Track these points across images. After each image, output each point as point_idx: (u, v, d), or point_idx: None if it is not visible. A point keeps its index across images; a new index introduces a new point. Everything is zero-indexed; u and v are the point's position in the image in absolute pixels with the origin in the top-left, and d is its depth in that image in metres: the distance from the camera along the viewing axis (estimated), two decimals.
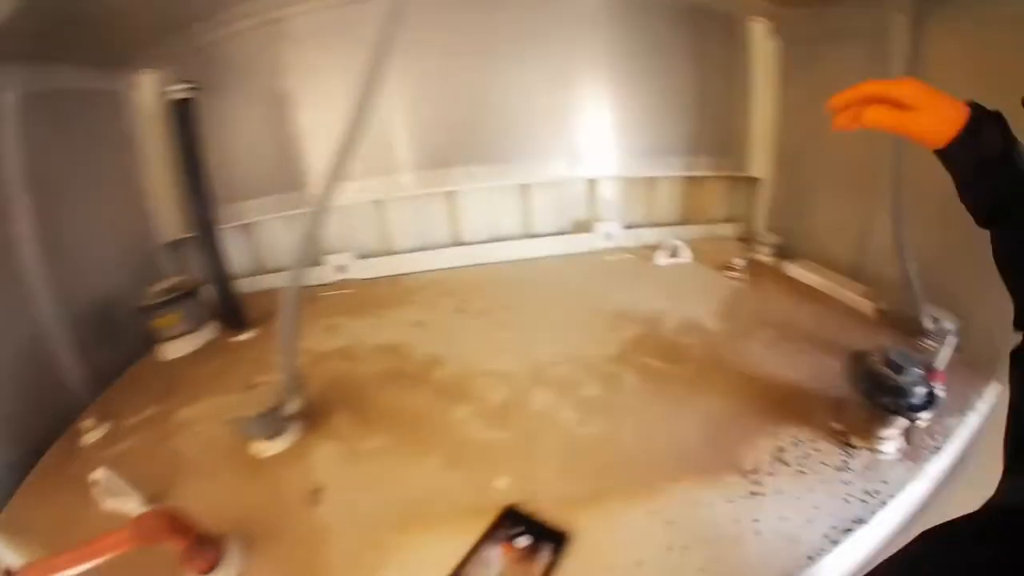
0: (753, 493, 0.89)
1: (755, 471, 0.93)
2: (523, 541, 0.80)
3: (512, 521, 0.84)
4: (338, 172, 0.93)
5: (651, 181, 2.06)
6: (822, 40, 1.63)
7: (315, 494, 0.93)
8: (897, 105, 0.66)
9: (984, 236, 1.19)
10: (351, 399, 1.19)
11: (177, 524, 0.74)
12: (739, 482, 0.91)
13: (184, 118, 1.44)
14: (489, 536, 0.82)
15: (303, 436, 1.07)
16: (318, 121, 1.71)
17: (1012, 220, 0.63)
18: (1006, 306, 1.13)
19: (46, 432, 1.18)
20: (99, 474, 0.94)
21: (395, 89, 1.70)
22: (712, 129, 1.98)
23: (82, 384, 1.34)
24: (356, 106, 0.91)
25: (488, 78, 1.77)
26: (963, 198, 0.69)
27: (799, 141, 1.84)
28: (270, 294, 1.70)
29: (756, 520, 0.84)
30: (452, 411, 1.13)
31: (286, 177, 1.78)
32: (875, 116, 0.67)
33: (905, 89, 0.66)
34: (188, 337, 1.50)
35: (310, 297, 1.70)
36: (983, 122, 0.63)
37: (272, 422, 1.02)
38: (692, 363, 1.25)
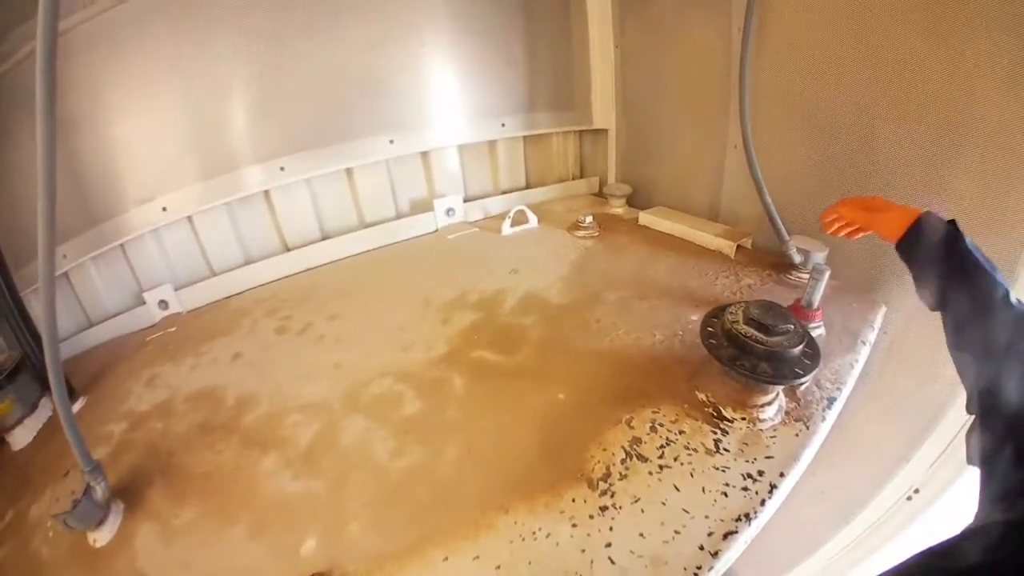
0: (604, 508, 0.70)
1: (606, 477, 0.73)
2: None
3: None
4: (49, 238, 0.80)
5: (491, 146, 1.86)
6: None
7: None
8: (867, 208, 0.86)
9: (839, 160, 1.16)
10: (164, 466, 0.98)
11: None
12: (586, 496, 0.71)
13: None
14: None
15: (125, 518, 0.89)
16: (123, 137, 1.40)
17: (959, 304, 0.70)
18: None
19: None
20: None
21: (186, 87, 1.41)
22: (551, 83, 1.82)
23: None
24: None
25: (289, 59, 1.49)
26: (918, 288, 0.79)
27: (642, 85, 1.74)
28: (101, 349, 1.43)
29: (609, 544, 0.65)
30: (260, 462, 0.91)
31: (90, 211, 1.43)
32: (848, 212, 0.89)
33: (874, 200, 0.87)
34: (27, 422, 1.24)
35: (135, 345, 1.43)
36: (931, 219, 0.77)
37: (89, 512, 0.87)
38: (531, 349, 1.05)
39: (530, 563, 0.64)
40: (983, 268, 0.68)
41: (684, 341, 0.99)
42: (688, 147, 1.61)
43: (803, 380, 0.73)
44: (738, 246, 1.30)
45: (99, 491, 0.87)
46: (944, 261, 0.71)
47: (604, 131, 1.91)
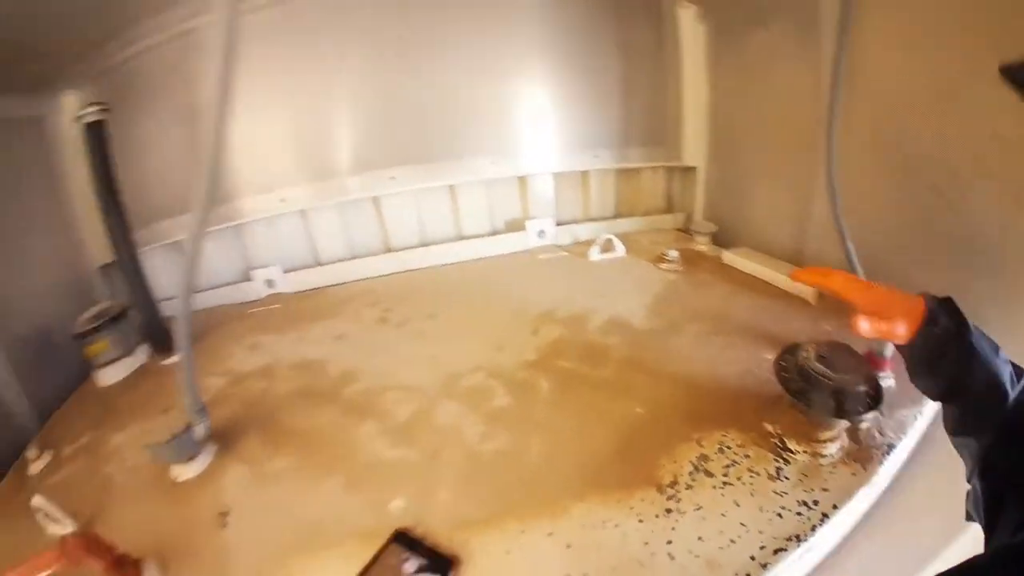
0: (669, 511, 0.78)
1: (673, 484, 0.82)
2: (409, 567, 0.74)
3: (402, 546, 0.78)
4: (207, 198, 0.89)
5: (584, 175, 1.98)
6: (751, 21, 1.58)
7: (222, 517, 0.91)
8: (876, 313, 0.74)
9: (924, 212, 1.16)
10: (263, 420, 1.13)
11: (96, 547, 0.78)
12: (654, 498, 0.80)
13: (97, 141, 1.36)
14: (377, 561, 0.76)
15: (216, 459, 1.03)
16: (240, 130, 1.59)
17: (963, 397, 0.69)
18: (956, 279, 1.03)
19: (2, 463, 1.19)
20: (37, 502, 0.96)
21: (305, 97, 1.62)
22: (644, 119, 1.91)
23: (28, 415, 1.33)
24: (209, 128, 0.83)
25: (407, 77, 1.68)
26: (916, 381, 0.76)
27: (732, 127, 1.79)
28: (203, 313, 1.65)
29: (670, 542, 0.73)
30: (358, 429, 1.06)
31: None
32: (867, 331, 0.75)
33: (867, 301, 0.76)
34: (120, 363, 1.44)
35: (238, 315, 1.64)
36: (938, 312, 0.71)
37: (182, 447, 0.99)
38: (613, 365, 1.14)
39: (598, 546, 0.74)
40: (990, 358, 0.66)
41: (757, 377, 1.05)
42: (775, 189, 1.64)
43: (864, 418, 0.79)
44: (818, 293, 1.33)
45: (199, 430, 1.00)
46: (951, 356, 0.68)
47: (693, 168, 1.96)
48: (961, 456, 0.70)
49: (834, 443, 0.85)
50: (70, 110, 1.56)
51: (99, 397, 1.37)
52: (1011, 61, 0.60)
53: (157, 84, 1.59)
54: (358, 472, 0.94)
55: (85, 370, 1.46)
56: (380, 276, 1.81)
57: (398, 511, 0.84)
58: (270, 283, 1.78)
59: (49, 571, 0.76)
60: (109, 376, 1.42)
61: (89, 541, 0.79)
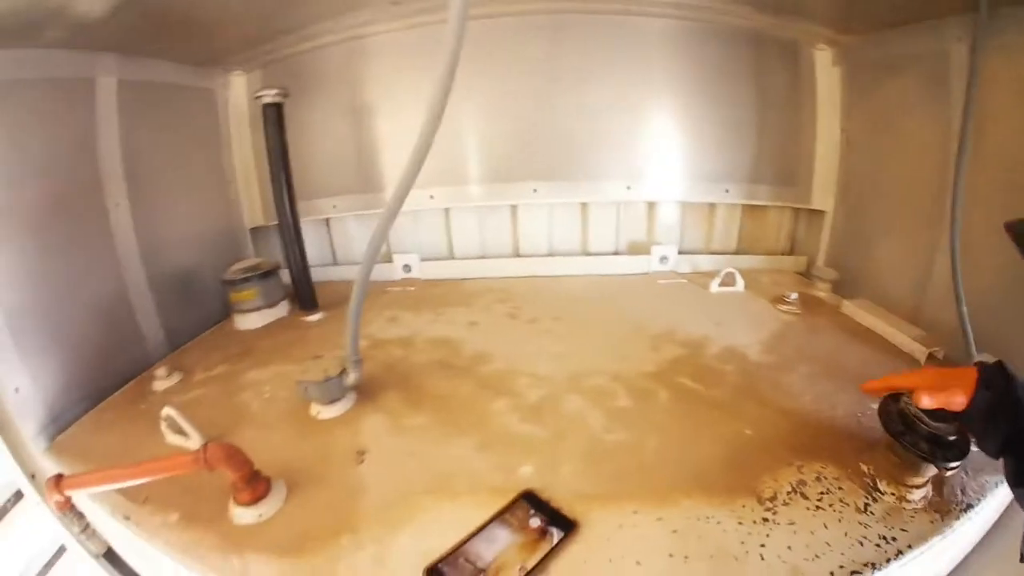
0: (765, 520, 0.90)
1: (772, 499, 0.94)
2: (535, 522, 0.88)
3: (528, 503, 0.92)
4: (409, 179, 1.02)
5: (710, 208, 2.08)
6: (883, 68, 1.62)
7: (359, 455, 1.05)
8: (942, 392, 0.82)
9: None
10: (403, 381, 1.31)
11: (235, 457, 0.87)
12: (753, 507, 0.93)
13: (273, 121, 1.59)
14: (505, 512, 0.90)
15: (356, 406, 1.20)
16: (394, 131, 1.87)
17: (1018, 449, 0.74)
18: None
19: (120, 375, 1.36)
20: (168, 411, 1.07)
21: (466, 106, 1.84)
22: (774, 158, 1.97)
23: (158, 338, 1.53)
24: (426, 119, 0.98)
25: (555, 99, 1.86)
26: (979, 443, 0.83)
27: (862, 173, 1.80)
28: (340, 284, 1.88)
29: (763, 545, 0.86)
30: (491, 403, 1.23)
31: (362, 180, 1.95)
32: (928, 403, 0.83)
33: (925, 379, 0.87)
34: (262, 312, 1.68)
35: (377, 291, 1.89)
36: (987, 374, 0.79)
37: (332, 389, 1.14)
38: (727, 389, 1.27)
39: (699, 537, 0.87)
40: None
41: (861, 423, 1.13)
42: (900, 243, 1.64)
43: (950, 466, 0.88)
44: (929, 353, 1.36)
45: (351, 378, 1.15)
46: (1002, 412, 0.75)
47: (820, 213, 1.98)
48: (1021, 508, 0.77)
49: (921, 490, 0.94)
50: (238, 88, 1.87)
51: (237, 337, 1.59)
52: (1016, 220, 0.66)
53: (321, 80, 1.86)
54: (490, 438, 1.11)
55: (222, 313, 1.70)
56: (507, 277, 2.01)
57: (526, 475, 0.99)
58: (407, 268, 2.05)
59: (184, 471, 0.83)
60: (250, 322, 1.66)
61: (230, 451, 0.86)
